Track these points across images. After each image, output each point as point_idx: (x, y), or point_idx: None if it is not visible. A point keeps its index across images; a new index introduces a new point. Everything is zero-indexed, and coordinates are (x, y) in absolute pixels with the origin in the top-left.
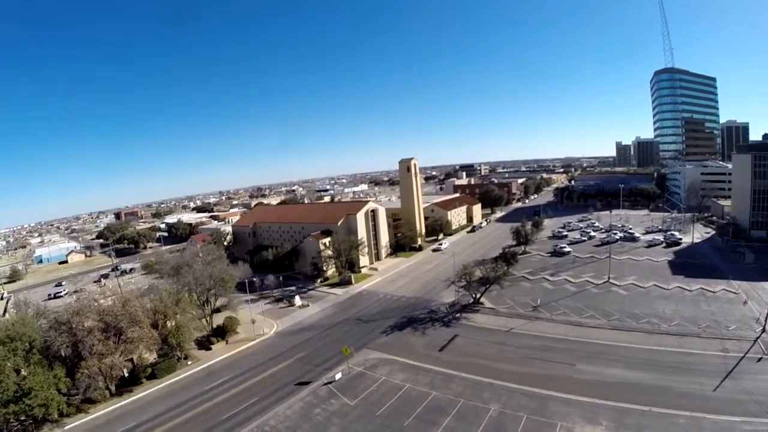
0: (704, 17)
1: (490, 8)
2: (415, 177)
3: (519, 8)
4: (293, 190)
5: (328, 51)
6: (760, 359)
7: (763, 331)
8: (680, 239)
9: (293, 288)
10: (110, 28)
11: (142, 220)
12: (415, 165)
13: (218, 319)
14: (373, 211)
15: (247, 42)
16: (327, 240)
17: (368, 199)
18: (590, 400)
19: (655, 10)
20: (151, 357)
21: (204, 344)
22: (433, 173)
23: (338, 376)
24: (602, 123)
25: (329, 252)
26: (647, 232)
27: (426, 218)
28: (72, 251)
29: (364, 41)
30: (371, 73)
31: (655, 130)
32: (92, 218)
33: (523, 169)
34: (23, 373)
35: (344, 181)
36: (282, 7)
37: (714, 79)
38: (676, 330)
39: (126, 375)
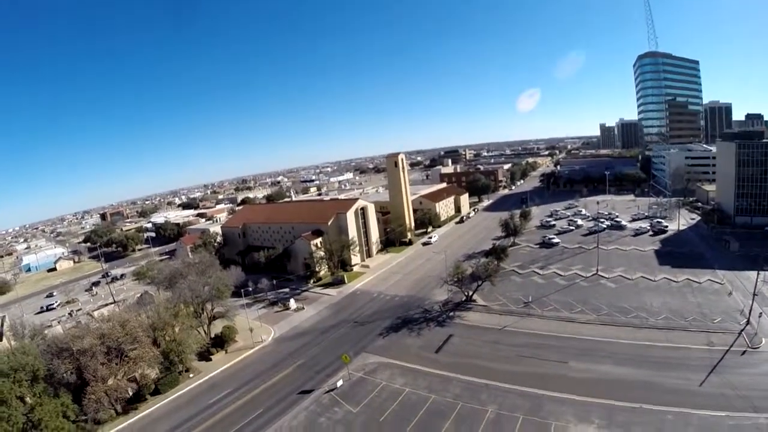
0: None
1: None
2: (403, 171)
3: None
4: (278, 182)
5: (308, 38)
6: (744, 352)
7: (748, 323)
8: (666, 227)
9: (287, 290)
10: (86, 23)
11: (128, 220)
12: (402, 160)
13: (216, 328)
14: (362, 208)
15: (227, 33)
16: (318, 240)
17: (355, 189)
18: (582, 399)
19: None
20: (153, 373)
21: (204, 355)
22: (418, 158)
23: (339, 383)
24: (586, 102)
25: (321, 253)
26: (633, 220)
27: (414, 211)
28: (60, 258)
29: (346, 27)
30: (354, 58)
31: (639, 113)
32: (77, 219)
33: (508, 152)
34: (29, 401)
35: (329, 169)
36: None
37: (697, 62)
38: (664, 324)
39: (131, 395)
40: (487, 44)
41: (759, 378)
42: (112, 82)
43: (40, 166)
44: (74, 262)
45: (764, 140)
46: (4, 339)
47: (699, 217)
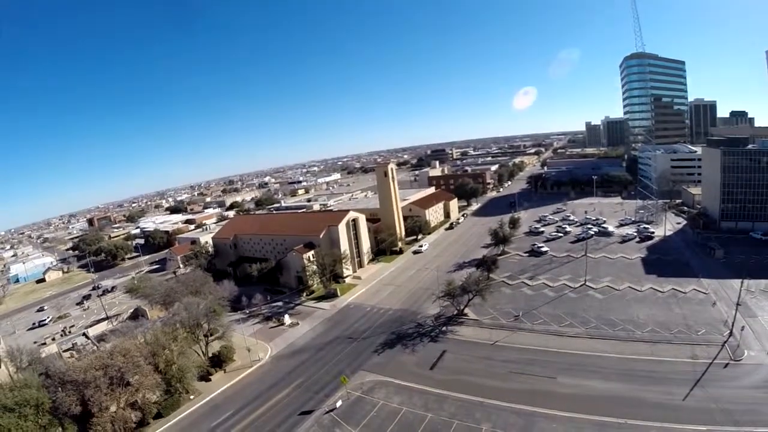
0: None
1: None
2: (393, 181)
3: None
4: (266, 183)
5: (295, 37)
6: (726, 365)
7: (731, 334)
8: (653, 233)
9: (280, 303)
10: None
11: (116, 226)
12: (392, 170)
13: (213, 346)
14: (354, 220)
15: (215, 28)
16: (310, 254)
17: (344, 193)
18: (572, 415)
19: None
20: (154, 396)
21: (203, 375)
22: (405, 156)
23: (339, 403)
24: (571, 98)
25: (314, 267)
26: (621, 225)
27: (404, 218)
28: (49, 268)
29: (332, 24)
30: (339, 55)
31: (625, 112)
32: (64, 223)
33: (494, 149)
34: None
35: (316, 169)
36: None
37: (683, 62)
38: (650, 337)
39: (135, 423)
40: (474, 39)
41: (740, 391)
42: (96, 78)
43: (23, 168)
44: (63, 272)
45: (749, 147)
46: (2, 365)
47: (685, 221)
